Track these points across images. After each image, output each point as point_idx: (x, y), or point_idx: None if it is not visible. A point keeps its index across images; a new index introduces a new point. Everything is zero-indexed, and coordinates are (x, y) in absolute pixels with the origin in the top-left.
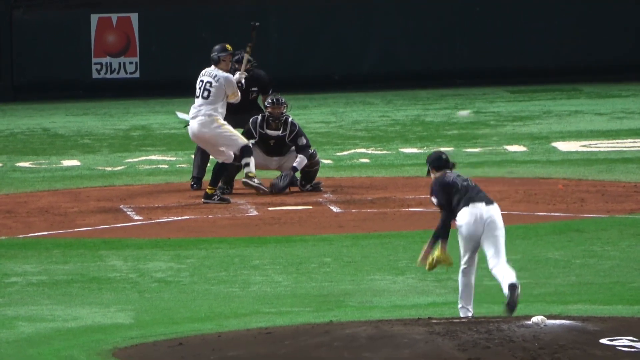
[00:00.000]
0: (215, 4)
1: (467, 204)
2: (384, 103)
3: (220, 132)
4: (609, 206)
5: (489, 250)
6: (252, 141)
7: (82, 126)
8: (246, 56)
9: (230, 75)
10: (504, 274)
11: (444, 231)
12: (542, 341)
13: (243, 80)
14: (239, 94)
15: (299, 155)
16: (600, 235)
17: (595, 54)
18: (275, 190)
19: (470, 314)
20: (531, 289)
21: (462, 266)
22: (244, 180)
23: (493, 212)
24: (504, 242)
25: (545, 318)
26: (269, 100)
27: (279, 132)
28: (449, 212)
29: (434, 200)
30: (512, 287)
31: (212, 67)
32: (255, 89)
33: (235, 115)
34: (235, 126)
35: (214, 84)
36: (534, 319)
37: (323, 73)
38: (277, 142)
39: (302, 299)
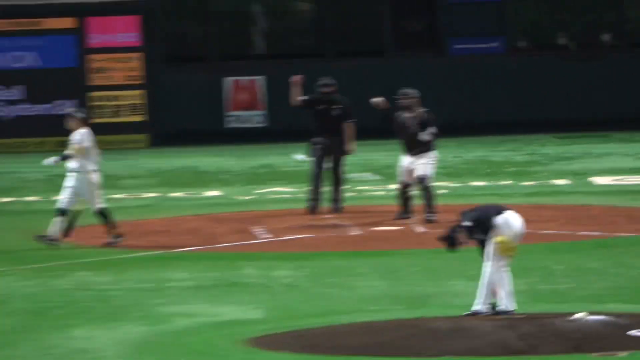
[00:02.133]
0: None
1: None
2: (456, 146)
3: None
4: (636, 227)
5: None
6: None
7: (221, 165)
8: None
9: None
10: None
11: None
12: (584, 332)
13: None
14: None
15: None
16: (630, 249)
17: (622, 107)
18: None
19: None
20: (575, 292)
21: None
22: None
23: None
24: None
25: (587, 314)
26: (401, 94)
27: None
28: None
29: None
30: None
31: None
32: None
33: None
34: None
35: None
36: (577, 315)
37: None
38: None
39: (396, 299)
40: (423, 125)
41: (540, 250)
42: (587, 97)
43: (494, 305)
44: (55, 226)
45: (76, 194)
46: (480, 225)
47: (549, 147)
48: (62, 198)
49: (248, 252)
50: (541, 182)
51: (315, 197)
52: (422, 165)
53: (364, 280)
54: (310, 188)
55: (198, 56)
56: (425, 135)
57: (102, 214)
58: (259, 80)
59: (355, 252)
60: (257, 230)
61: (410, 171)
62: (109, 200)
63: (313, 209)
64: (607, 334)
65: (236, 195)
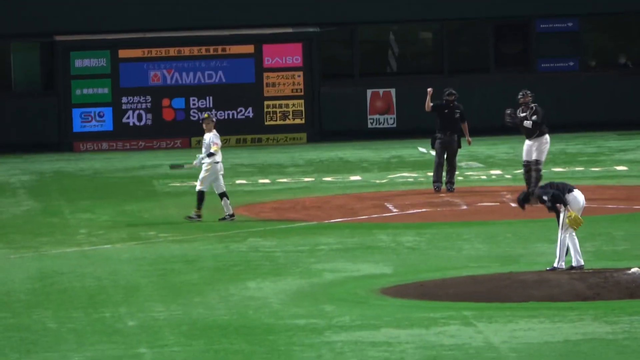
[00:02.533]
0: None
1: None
2: None
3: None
4: None
5: None
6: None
7: (362, 156)
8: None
9: None
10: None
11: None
12: (637, 283)
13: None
14: None
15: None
16: None
17: None
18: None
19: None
20: (631, 252)
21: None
22: None
23: None
24: None
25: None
26: (521, 94)
27: (526, 114)
28: None
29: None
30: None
31: None
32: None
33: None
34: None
35: None
36: (633, 270)
37: None
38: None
39: (494, 259)
40: (533, 116)
41: (604, 220)
42: None
43: (568, 263)
44: (227, 206)
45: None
46: (556, 199)
47: (611, 141)
48: (219, 184)
49: (381, 223)
50: (605, 168)
51: (438, 180)
52: (536, 150)
53: (469, 244)
54: (434, 173)
55: (346, 74)
56: (529, 122)
57: (224, 195)
58: (392, 92)
59: (462, 222)
60: (389, 205)
61: (528, 152)
62: (278, 183)
63: (437, 189)
64: None
65: (373, 179)
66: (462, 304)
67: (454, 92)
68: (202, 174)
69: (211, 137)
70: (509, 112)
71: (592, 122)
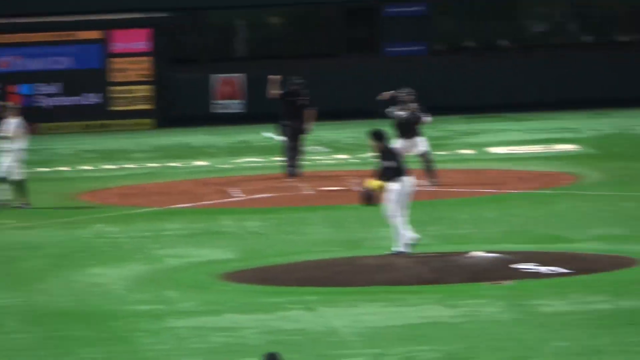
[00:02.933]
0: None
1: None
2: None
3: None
4: (524, 185)
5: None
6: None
7: (209, 141)
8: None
9: None
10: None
11: None
12: (479, 266)
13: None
14: None
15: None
16: (519, 202)
17: (515, 94)
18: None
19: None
20: (476, 235)
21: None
22: None
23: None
24: None
25: (483, 253)
26: (404, 92)
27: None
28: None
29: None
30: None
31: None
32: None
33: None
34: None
35: None
36: (473, 253)
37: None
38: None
39: (339, 243)
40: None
41: (448, 204)
42: (487, 87)
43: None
44: (5, 192)
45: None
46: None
47: (458, 125)
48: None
49: (226, 208)
50: (452, 152)
51: (289, 165)
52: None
53: (314, 228)
54: (283, 158)
55: (195, 59)
56: (429, 118)
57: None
58: (240, 77)
59: (308, 207)
60: (234, 191)
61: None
62: (123, 169)
63: (291, 174)
64: (493, 266)
65: (218, 164)
66: (305, 288)
67: (298, 81)
68: (9, 162)
69: (16, 124)
70: (388, 95)
71: (441, 105)
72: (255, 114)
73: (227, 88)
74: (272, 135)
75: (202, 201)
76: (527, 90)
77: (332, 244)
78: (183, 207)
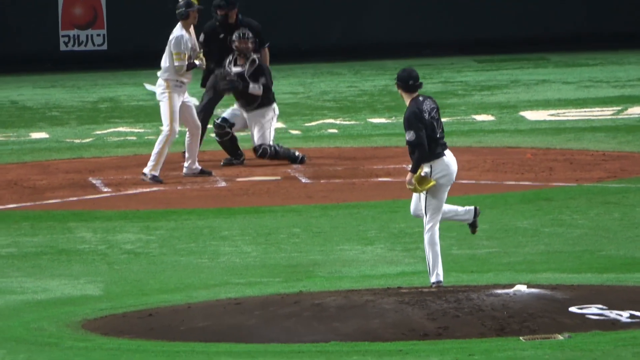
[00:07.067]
0: None
1: (442, 152)
2: (351, 73)
3: (160, 102)
4: (577, 175)
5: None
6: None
7: (50, 98)
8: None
9: (180, 35)
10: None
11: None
12: (511, 310)
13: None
14: (185, 56)
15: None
16: (569, 203)
17: (561, 23)
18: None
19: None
20: (500, 257)
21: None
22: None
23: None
24: None
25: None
26: (236, 35)
27: (240, 69)
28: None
29: (409, 136)
30: (475, 210)
31: (178, 25)
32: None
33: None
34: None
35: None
36: (518, 287)
37: (290, 44)
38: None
39: (272, 269)
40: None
41: (456, 204)
42: (516, 11)
43: None
44: None
45: None
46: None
47: (466, 73)
48: None
49: (82, 211)
50: (457, 118)
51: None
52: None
53: (229, 246)
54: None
55: None
56: (256, 85)
57: None
58: None
59: (218, 208)
60: (95, 182)
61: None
62: None
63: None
64: (540, 311)
65: (69, 138)
66: (216, 346)
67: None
68: None
69: None
70: (222, 72)
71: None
72: (122, 53)
73: (79, 10)
74: (152, 88)
75: (42, 200)
76: (574, 12)
77: (263, 272)
78: (10, 209)
